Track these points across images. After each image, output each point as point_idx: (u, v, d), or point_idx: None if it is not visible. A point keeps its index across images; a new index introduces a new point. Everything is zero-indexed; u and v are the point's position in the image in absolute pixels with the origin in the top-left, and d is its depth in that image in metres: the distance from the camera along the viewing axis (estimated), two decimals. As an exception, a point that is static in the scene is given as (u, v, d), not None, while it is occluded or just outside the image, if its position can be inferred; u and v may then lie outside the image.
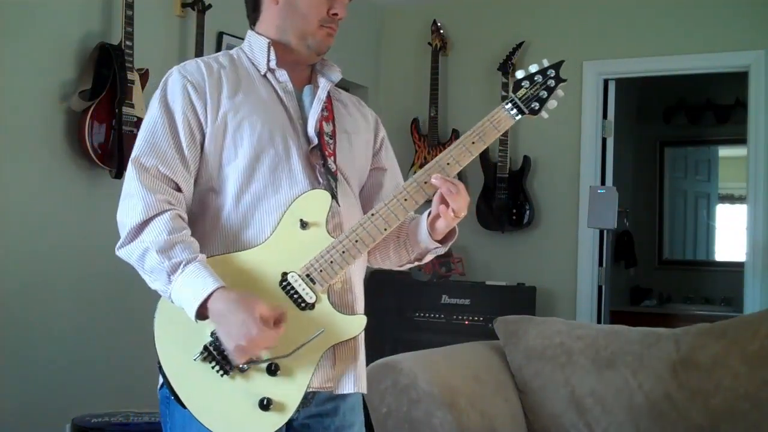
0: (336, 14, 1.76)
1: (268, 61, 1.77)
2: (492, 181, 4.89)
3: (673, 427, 2.70)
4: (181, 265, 1.57)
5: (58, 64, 3.33)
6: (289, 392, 1.61)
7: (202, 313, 1.56)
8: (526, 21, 4.99)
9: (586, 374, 2.84)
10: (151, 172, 1.65)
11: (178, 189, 1.67)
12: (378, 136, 1.94)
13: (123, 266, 1.69)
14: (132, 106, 3.36)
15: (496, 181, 4.87)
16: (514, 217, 4.88)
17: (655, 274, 6.59)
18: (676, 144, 6.71)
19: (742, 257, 4.66)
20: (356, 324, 1.68)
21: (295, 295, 1.63)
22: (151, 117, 1.70)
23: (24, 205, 3.24)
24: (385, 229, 1.66)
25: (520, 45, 4.87)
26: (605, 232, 4.28)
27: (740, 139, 4.84)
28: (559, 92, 1.74)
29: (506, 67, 4.81)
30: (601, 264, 4.66)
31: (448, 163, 1.68)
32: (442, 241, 1.78)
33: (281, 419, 1.61)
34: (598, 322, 4.51)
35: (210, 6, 3.85)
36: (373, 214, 1.66)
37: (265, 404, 1.60)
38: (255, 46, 1.80)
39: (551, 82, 1.73)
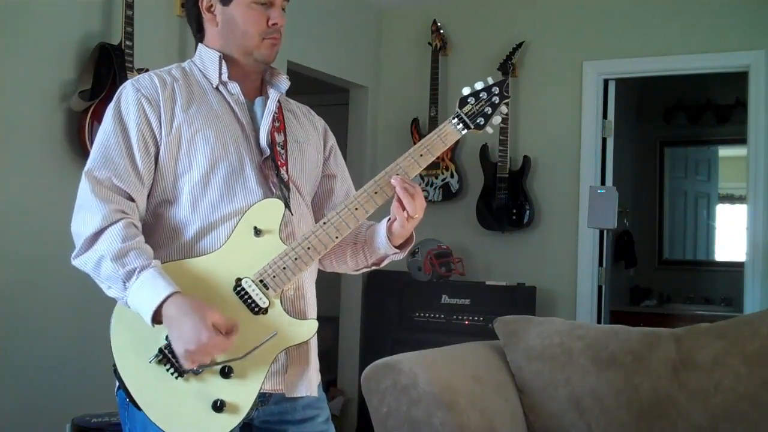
0: (276, 23, 1.78)
1: (220, 74, 1.80)
2: (492, 181, 4.89)
3: (673, 427, 2.70)
4: (136, 272, 1.61)
5: (58, 64, 3.33)
6: (242, 394, 1.65)
7: (157, 318, 1.59)
8: (526, 21, 4.98)
9: (586, 374, 2.84)
10: (104, 183, 1.67)
11: (131, 200, 1.70)
12: (327, 144, 1.98)
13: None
14: (132, 106, 3.35)
15: (496, 181, 4.86)
16: (514, 217, 4.88)
17: (655, 274, 6.59)
18: (676, 144, 6.71)
19: (742, 257, 4.66)
20: (308, 328, 1.72)
21: (248, 300, 1.67)
22: (105, 130, 1.72)
23: (23, 204, 3.24)
24: (336, 237, 1.71)
25: (520, 45, 4.86)
26: (605, 232, 4.28)
27: (740, 139, 4.84)
28: (503, 108, 1.79)
29: (506, 67, 4.80)
30: (601, 264, 4.66)
31: (397, 174, 1.73)
32: (401, 247, 1.82)
33: (234, 420, 1.65)
34: (598, 322, 4.52)
35: (210, 6, 3.85)
36: (325, 223, 1.71)
37: (219, 406, 1.63)
38: (206, 60, 1.82)
39: (495, 99, 1.77)
